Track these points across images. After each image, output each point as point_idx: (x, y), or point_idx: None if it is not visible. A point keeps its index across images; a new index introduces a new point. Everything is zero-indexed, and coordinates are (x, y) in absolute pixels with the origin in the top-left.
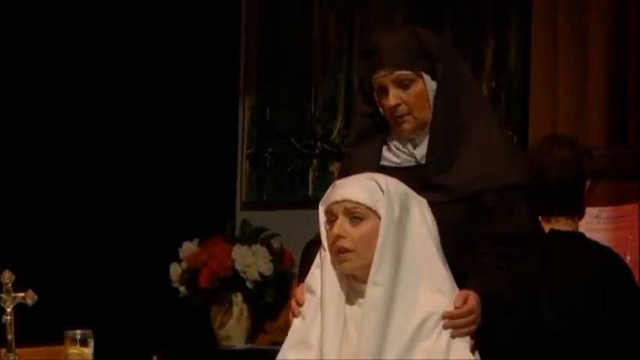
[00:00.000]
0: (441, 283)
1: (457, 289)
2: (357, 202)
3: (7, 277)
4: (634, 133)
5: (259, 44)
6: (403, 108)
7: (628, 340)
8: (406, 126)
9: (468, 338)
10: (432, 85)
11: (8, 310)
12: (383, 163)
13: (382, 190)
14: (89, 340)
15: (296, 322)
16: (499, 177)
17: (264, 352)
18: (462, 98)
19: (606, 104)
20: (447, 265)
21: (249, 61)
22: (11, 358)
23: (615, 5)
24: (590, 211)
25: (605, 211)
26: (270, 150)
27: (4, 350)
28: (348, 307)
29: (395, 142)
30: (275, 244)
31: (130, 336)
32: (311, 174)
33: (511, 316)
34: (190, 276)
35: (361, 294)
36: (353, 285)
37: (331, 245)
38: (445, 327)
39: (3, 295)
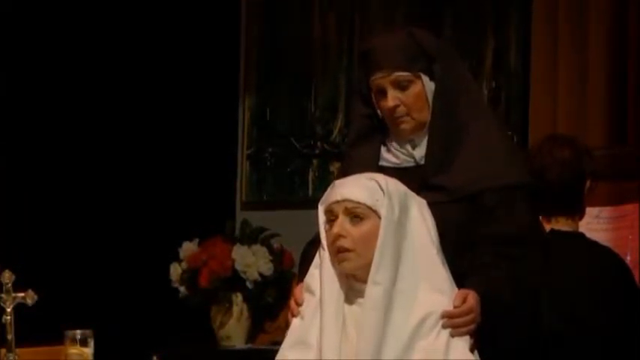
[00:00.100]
0: (441, 283)
1: (456, 289)
2: (358, 202)
3: (7, 277)
4: (634, 133)
5: (259, 44)
6: (402, 109)
7: (628, 340)
8: (405, 127)
9: (467, 337)
10: (430, 85)
11: (8, 310)
12: (382, 163)
13: (382, 190)
14: (89, 340)
15: (295, 322)
16: (499, 177)
17: (264, 352)
18: (460, 99)
19: (606, 104)
20: (446, 265)
21: (249, 61)
22: (11, 358)
23: (615, 5)
24: (590, 211)
25: (605, 211)
26: (270, 150)
27: (4, 350)
28: (347, 306)
29: (394, 143)
30: (275, 244)
31: (130, 336)
32: (311, 174)
33: (511, 316)
34: (190, 276)
35: (360, 294)
36: (352, 285)
37: (331, 245)
38: (444, 326)
39: (3, 295)
